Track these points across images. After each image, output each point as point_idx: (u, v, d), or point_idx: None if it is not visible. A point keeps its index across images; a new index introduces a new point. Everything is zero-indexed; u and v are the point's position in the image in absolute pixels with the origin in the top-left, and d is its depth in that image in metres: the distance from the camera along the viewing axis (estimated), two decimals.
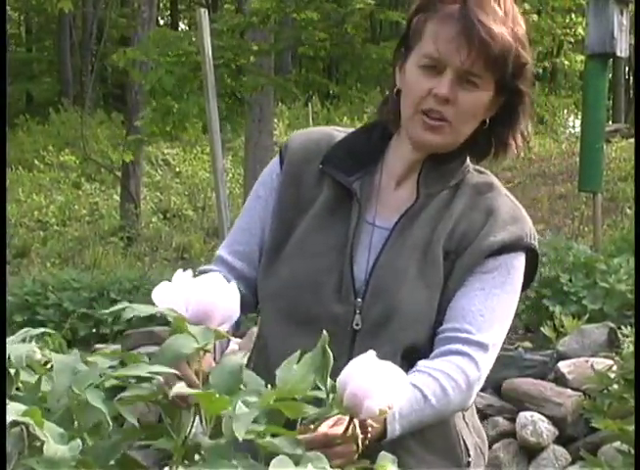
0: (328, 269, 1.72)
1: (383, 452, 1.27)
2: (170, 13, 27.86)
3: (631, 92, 21.66)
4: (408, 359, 1.66)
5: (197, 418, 1.20)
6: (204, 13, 6.53)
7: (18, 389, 1.19)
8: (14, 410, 1.06)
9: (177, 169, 16.11)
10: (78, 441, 1.08)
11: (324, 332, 1.29)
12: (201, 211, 13.74)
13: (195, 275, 1.35)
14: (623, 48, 6.77)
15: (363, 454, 1.40)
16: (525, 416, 4.68)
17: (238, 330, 1.73)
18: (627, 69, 22.24)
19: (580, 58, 11.40)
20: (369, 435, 1.44)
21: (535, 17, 9.41)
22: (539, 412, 4.67)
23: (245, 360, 1.23)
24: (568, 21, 9.84)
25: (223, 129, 7.87)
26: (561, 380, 4.77)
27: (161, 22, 26.47)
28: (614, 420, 3.30)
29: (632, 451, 3.24)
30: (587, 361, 4.72)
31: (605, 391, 3.89)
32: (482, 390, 4.71)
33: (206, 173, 15.00)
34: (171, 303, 1.29)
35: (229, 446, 1.13)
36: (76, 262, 11.09)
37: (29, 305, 6.81)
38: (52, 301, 6.80)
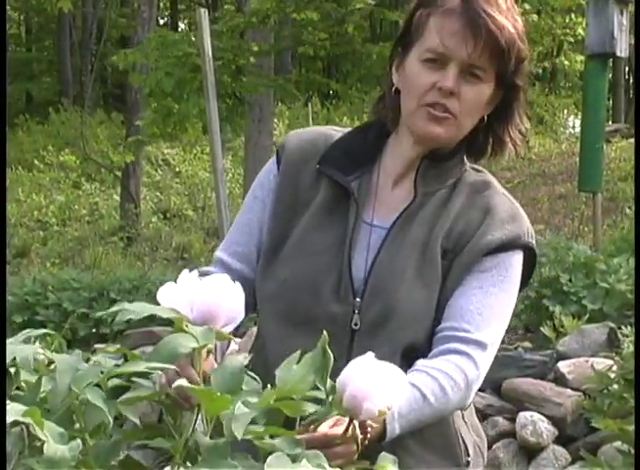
0: (326, 269, 1.72)
1: (383, 453, 1.27)
2: (170, 13, 27.85)
3: (631, 92, 21.66)
4: (407, 359, 1.66)
5: (198, 418, 1.20)
6: (203, 13, 6.53)
7: (18, 389, 1.19)
8: (14, 410, 1.06)
9: (177, 169, 16.10)
10: (78, 441, 1.08)
11: (324, 332, 1.30)
12: (201, 211, 13.74)
13: None
14: (623, 48, 6.77)
15: (363, 454, 1.40)
16: (524, 416, 4.68)
17: (238, 330, 1.73)
18: (627, 69, 22.24)
19: (580, 58, 11.41)
20: (368, 435, 1.44)
21: (535, 17, 9.42)
22: (539, 412, 4.67)
23: (246, 362, 1.23)
24: (567, 21, 9.84)
25: (223, 129, 7.87)
26: (561, 380, 4.77)
27: (161, 22, 26.48)
28: (614, 420, 3.30)
29: (632, 451, 3.24)
30: (587, 361, 4.72)
31: (605, 391, 3.90)
32: (482, 390, 4.74)
33: (206, 173, 15.00)
34: (176, 303, 1.29)
35: (227, 446, 1.13)
36: (76, 262, 11.09)
37: (29, 306, 6.80)
38: (52, 301, 6.80)
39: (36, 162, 16.80)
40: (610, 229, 9.12)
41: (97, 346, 6.07)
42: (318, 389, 1.27)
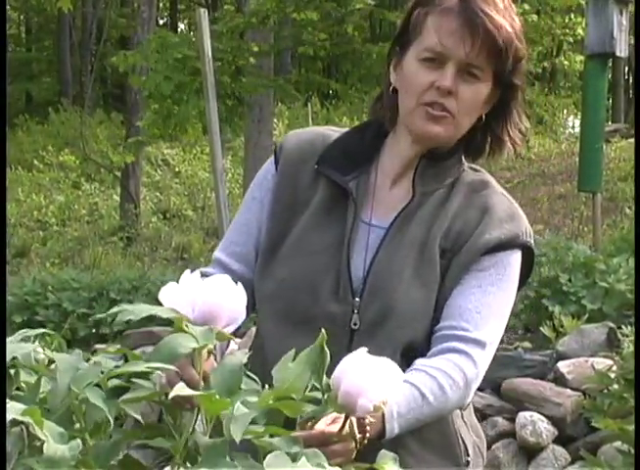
0: (325, 269, 1.72)
1: (383, 450, 1.27)
2: (170, 13, 27.85)
3: (631, 92, 21.67)
4: (407, 358, 1.67)
5: (198, 418, 1.20)
6: (203, 13, 6.52)
7: (18, 389, 1.19)
8: (14, 410, 1.06)
9: (177, 169, 16.10)
10: (78, 440, 1.08)
11: (322, 331, 1.30)
12: (200, 211, 13.74)
13: None
14: (623, 48, 6.77)
15: (362, 454, 1.40)
16: (524, 416, 4.68)
17: (238, 330, 1.73)
18: (627, 69, 22.25)
19: (580, 58, 11.42)
20: (367, 434, 1.44)
21: (535, 17, 9.42)
22: (539, 412, 4.67)
23: (245, 359, 1.23)
24: (567, 21, 9.84)
25: (223, 130, 7.87)
26: (560, 380, 4.77)
27: (161, 22, 26.47)
28: (614, 420, 3.30)
29: (632, 451, 3.24)
30: (587, 361, 4.72)
31: (605, 390, 3.90)
32: (482, 390, 4.74)
33: (206, 173, 15.00)
34: (178, 304, 1.29)
35: (225, 445, 1.13)
36: (76, 262, 11.09)
37: (29, 306, 6.80)
38: (51, 301, 6.80)
39: (36, 162, 16.80)
40: (609, 229, 9.13)
41: (97, 346, 6.07)
42: (317, 389, 1.27)
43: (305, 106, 17.00)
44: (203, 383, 1.26)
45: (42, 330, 1.28)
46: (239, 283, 1.34)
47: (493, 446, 4.67)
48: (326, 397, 1.28)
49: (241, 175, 13.14)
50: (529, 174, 13.29)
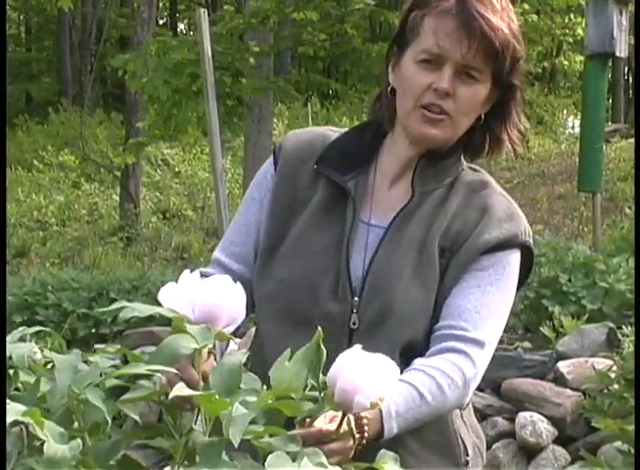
0: (324, 269, 1.72)
1: (383, 450, 1.27)
2: (170, 13, 27.85)
3: (631, 92, 21.67)
4: (406, 357, 1.67)
5: (198, 418, 1.20)
6: (203, 13, 6.52)
7: (17, 389, 1.19)
8: (14, 410, 1.06)
9: (177, 169, 16.10)
10: (78, 440, 1.08)
11: (319, 328, 1.30)
12: (200, 211, 13.74)
13: None
14: (623, 48, 6.77)
15: (362, 454, 1.40)
16: (524, 416, 4.68)
17: (238, 330, 1.73)
18: (627, 69, 22.24)
19: (580, 58, 11.42)
20: (365, 433, 1.44)
21: (534, 17, 9.41)
22: (539, 412, 4.67)
23: (244, 358, 1.23)
24: (567, 21, 9.84)
25: (222, 130, 7.87)
26: (560, 380, 4.77)
27: (161, 22, 26.47)
28: (614, 420, 3.30)
29: (632, 451, 3.24)
30: (587, 361, 4.73)
31: (605, 391, 3.90)
32: (482, 390, 4.75)
33: (206, 173, 15.00)
34: (177, 304, 1.29)
35: (221, 444, 1.13)
36: (76, 262, 11.09)
37: (29, 306, 6.81)
38: (51, 301, 6.80)
39: (36, 162, 16.80)
40: (609, 229, 9.13)
41: (97, 346, 6.07)
42: (315, 388, 1.27)
43: (305, 106, 17.00)
44: (202, 383, 1.26)
45: (40, 328, 1.28)
46: (238, 283, 1.34)
47: (493, 447, 4.67)
48: (323, 395, 1.28)
49: (241, 175, 13.14)
50: (529, 174, 13.29)
